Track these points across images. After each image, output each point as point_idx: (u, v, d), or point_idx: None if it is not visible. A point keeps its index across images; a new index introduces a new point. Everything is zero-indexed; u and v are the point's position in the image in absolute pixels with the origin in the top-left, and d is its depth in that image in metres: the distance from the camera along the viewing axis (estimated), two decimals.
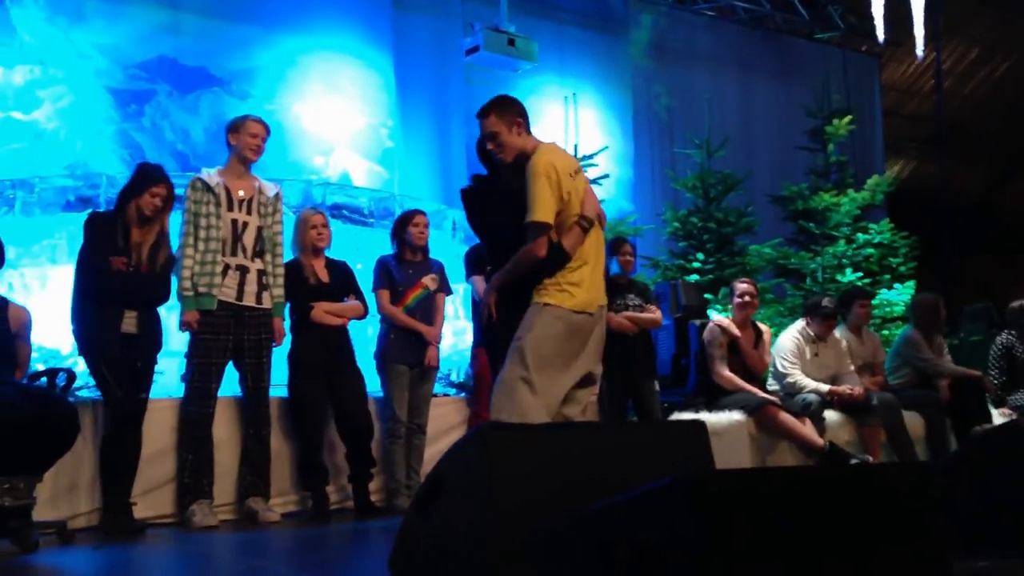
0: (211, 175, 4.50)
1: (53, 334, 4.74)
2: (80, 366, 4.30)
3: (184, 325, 4.36)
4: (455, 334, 6.08)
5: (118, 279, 4.09)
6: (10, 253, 5.26)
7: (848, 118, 9.06)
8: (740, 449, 5.17)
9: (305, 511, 4.75)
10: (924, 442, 5.84)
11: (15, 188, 5.60)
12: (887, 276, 8.59)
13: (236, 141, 4.55)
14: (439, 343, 5.12)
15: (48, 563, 3.33)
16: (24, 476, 3.48)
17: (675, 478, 1.78)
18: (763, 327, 5.86)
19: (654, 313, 5.51)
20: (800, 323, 5.87)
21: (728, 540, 1.75)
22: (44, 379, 3.91)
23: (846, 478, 2.08)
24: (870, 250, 8.62)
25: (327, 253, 4.96)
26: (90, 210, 4.98)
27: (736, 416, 5.29)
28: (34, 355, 4.36)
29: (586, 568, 1.98)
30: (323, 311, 4.78)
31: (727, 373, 5.52)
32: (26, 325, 4.09)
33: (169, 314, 4.58)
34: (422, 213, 5.21)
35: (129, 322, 4.14)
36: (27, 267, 5.33)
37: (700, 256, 7.97)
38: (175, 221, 4.47)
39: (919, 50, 10.78)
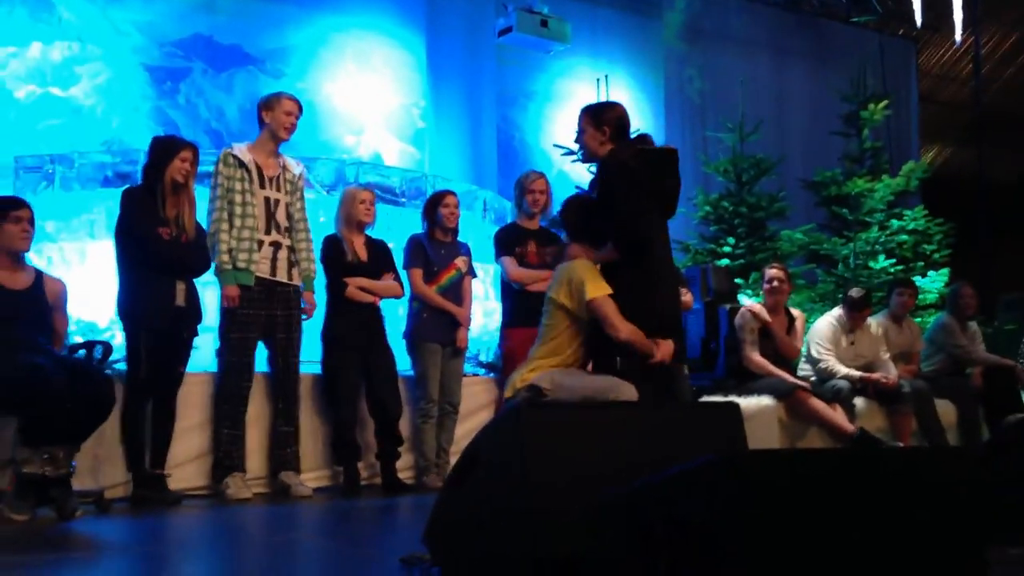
0: (243, 150, 4.51)
1: (91, 307, 4.80)
2: (118, 339, 4.36)
3: (227, 299, 4.39)
4: (485, 315, 6.10)
5: (168, 249, 4.14)
6: (49, 227, 5.36)
7: (884, 103, 8.93)
8: (769, 433, 5.15)
9: (336, 486, 4.80)
10: (956, 430, 5.80)
11: (55, 163, 5.67)
12: (921, 263, 8.47)
13: (270, 119, 4.54)
14: (469, 325, 5.14)
15: (87, 530, 3.40)
16: (63, 446, 3.54)
17: (717, 456, 1.78)
18: (796, 313, 5.82)
19: (684, 296, 5.48)
20: (836, 310, 5.84)
21: (769, 519, 1.75)
22: (82, 351, 3.96)
23: (889, 461, 2.07)
24: (904, 236, 8.51)
25: (368, 232, 4.98)
26: (127, 186, 5.03)
27: (766, 400, 5.27)
28: (72, 328, 4.41)
29: (624, 546, 1.98)
30: (356, 287, 4.80)
31: (758, 358, 5.50)
32: (61, 296, 4.10)
33: (204, 288, 4.63)
34: (453, 194, 5.20)
35: (179, 294, 4.19)
36: (66, 241, 5.40)
37: (731, 240, 7.91)
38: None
39: (957, 35, 10.61)
